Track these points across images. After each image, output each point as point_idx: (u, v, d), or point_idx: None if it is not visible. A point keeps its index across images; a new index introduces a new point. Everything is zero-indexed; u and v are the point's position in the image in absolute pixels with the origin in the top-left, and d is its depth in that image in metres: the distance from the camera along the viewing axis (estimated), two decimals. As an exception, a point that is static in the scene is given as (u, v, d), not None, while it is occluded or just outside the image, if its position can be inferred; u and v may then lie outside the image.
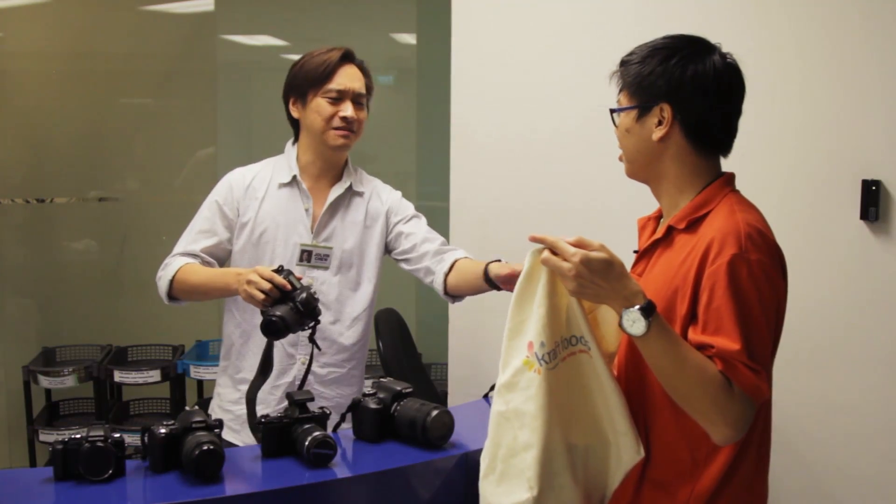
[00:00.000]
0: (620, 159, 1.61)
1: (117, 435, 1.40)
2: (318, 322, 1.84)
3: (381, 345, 3.06)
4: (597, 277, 1.33)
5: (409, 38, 4.45)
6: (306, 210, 2.15)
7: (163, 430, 1.41)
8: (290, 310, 1.77)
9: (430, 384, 3.48)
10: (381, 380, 1.70)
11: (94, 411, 3.95)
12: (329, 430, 1.63)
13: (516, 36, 2.72)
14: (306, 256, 2.13)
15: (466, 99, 2.83)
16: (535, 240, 1.42)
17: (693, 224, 1.47)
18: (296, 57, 2.23)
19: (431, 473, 1.52)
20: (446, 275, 2.19)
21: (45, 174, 4.23)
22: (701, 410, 1.31)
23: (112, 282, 4.33)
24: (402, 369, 3.03)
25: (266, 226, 2.12)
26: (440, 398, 3.12)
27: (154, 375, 3.76)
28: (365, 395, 1.63)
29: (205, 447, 1.36)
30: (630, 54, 1.60)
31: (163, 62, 4.32)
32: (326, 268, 2.14)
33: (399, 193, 2.33)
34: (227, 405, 2.18)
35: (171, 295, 2.16)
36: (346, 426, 1.74)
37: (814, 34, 2.24)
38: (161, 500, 1.32)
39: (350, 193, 2.21)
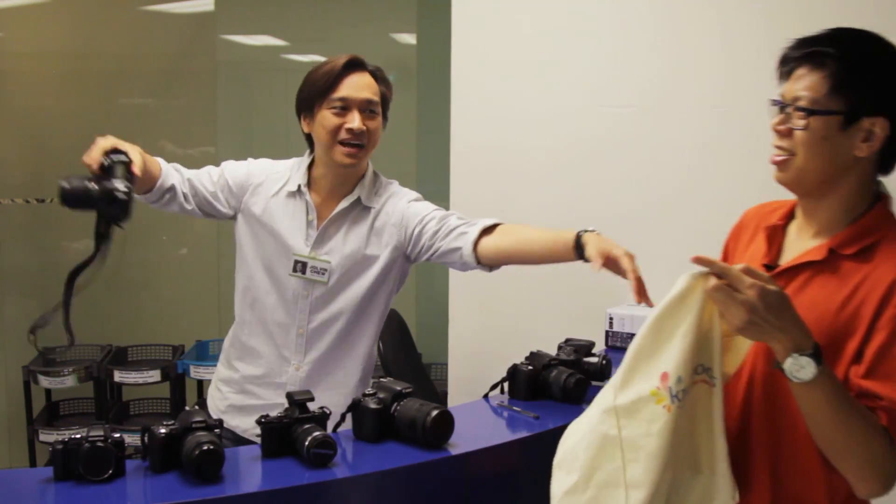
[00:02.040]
0: (774, 163, 1.37)
1: (117, 435, 1.40)
2: (118, 224, 1.76)
3: (381, 345, 3.06)
4: (770, 314, 1.16)
5: (409, 38, 4.45)
6: (309, 221, 2.07)
7: (163, 430, 1.41)
8: (83, 184, 1.69)
9: (430, 384, 3.48)
10: (381, 380, 1.69)
11: (94, 411, 3.96)
12: (329, 430, 1.64)
13: (516, 36, 2.73)
14: (300, 268, 2.05)
15: (466, 99, 2.83)
16: (699, 261, 1.22)
17: (864, 252, 1.29)
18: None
19: (431, 473, 1.52)
20: (475, 242, 1.99)
21: (45, 174, 4.22)
22: (855, 466, 1.21)
23: (112, 282, 4.33)
24: (401, 369, 3.03)
25: (269, 227, 2.09)
26: (440, 398, 3.12)
27: (154, 375, 3.76)
28: (365, 395, 1.63)
29: (205, 447, 1.36)
30: (828, 41, 1.39)
31: (163, 62, 4.32)
32: (325, 282, 2.06)
33: (410, 197, 2.14)
34: (219, 384, 2.19)
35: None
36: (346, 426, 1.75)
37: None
38: (161, 500, 1.32)
39: (358, 207, 2.09)
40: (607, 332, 2.41)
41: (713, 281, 1.20)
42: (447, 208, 2.86)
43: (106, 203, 1.70)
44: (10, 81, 4.19)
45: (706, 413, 1.26)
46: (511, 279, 2.78)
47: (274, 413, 1.55)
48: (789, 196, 2.28)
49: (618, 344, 2.39)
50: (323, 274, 2.05)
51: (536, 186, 2.71)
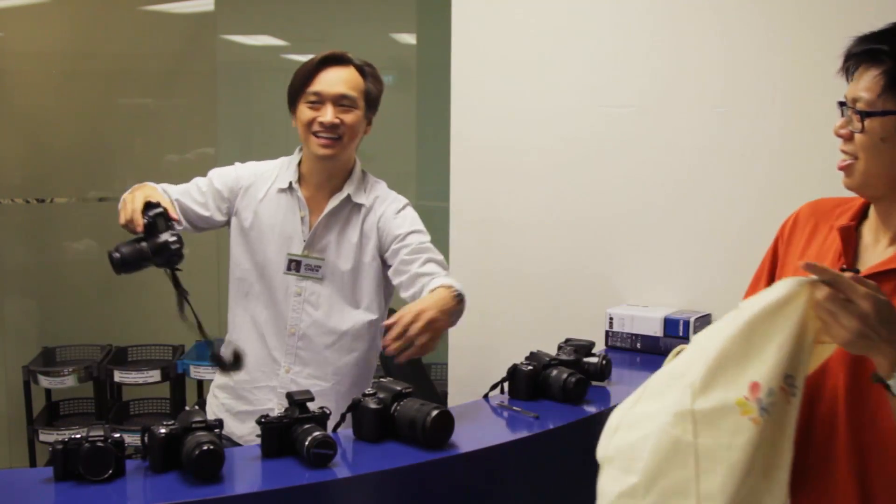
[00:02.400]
0: (840, 168, 1.35)
1: (117, 435, 1.40)
2: (176, 268, 1.82)
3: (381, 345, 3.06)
4: (882, 326, 1.09)
5: (409, 38, 4.45)
6: (302, 218, 2.08)
7: (163, 430, 1.41)
8: (135, 248, 1.78)
9: (430, 384, 3.48)
10: (381, 380, 1.69)
11: (94, 411, 3.96)
12: (328, 430, 1.63)
13: (516, 36, 2.72)
14: (295, 266, 2.06)
15: (466, 99, 2.83)
16: (811, 269, 1.13)
17: None
18: (296, 57, 2.23)
19: (431, 473, 1.52)
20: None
21: (45, 174, 4.23)
22: None
23: (112, 282, 4.31)
24: (402, 369, 3.02)
25: (262, 229, 2.09)
26: (440, 398, 3.12)
27: (154, 375, 3.76)
28: (365, 395, 1.62)
29: (205, 447, 1.36)
30: (883, 37, 1.33)
31: (163, 62, 4.32)
32: (319, 279, 2.06)
33: (397, 206, 2.13)
34: (215, 389, 2.20)
35: None
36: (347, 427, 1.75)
37: (814, 34, 2.24)
38: (161, 500, 1.32)
39: (349, 205, 2.10)
40: (607, 332, 2.41)
41: (823, 290, 1.12)
42: (447, 208, 2.88)
43: (163, 258, 1.80)
44: (10, 81, 4.19)
45: (780, 424, 1.17)
46: (511, 279, 2.78)
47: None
48: (789, 195, 2.28)
49: (618, 344, 2.39)
50: (317, 271, 2.06)
51: (536, 186, 2.71)
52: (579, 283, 2.65)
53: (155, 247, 1.78)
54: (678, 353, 1.31)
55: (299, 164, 2.12)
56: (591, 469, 1.88)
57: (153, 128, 4.31)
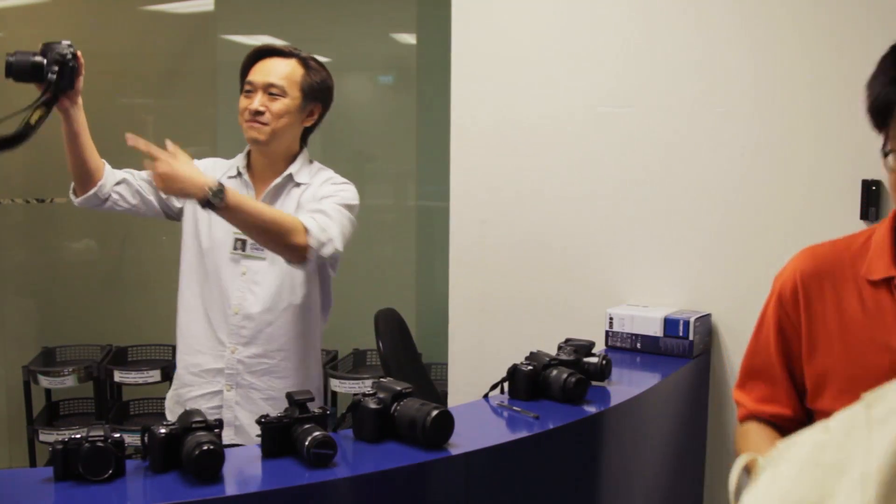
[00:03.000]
0: None
1: (117, 435, 1.40)
2: (58, 85, 1.88)
3: (381, 345, 3.06)
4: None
5: (409, 38, 4.45)
6: None
7: (163, 430, 1.41)
8: (32, 56, 1.83)
9: (430, 384, 3.48)
10: (381, 380, 1.69)
11: (94, 411, 3.96)
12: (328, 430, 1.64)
13: (516, 36, 2.72)
14: (240, 245, 2.15)
15: (466, 99, 2.83)
16: None
17: None
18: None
19: (431, 473, 1.52)
20: None
21: (45, 174, 4.23)
22: None
23: (112, 282, 4.33)
24: (402, 369, 3.02)
25: (206, 214, 2.13)
26: (440, 398, 3.12)
27: (154, 375, 3.77)
28: (365, 395, 1.63)
29: (205, 447, 1.36)
30: None
31: (163, 62, 4.32)
32: (263, 258, 2.15)
33: (329, 178, 2.20)
34: (168, 401, 2.29)
35: (76, 185, 2.19)
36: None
37: (813, 34, 2.24)
38: (161, 500, 1.32)
39: (290, 184, 2.20)
40: (607, 332, 2.41)
41: None
42: (447, 208, 2.88)
43: (56, 66, 1.81)
44: (11, 81, 4.19)
45: None
46: (511, 279, 2.78)
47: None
48: (789, 195, 2.28)
49: (618, 344, 2.39)
50: (262, 250, 2.13)
51: (536, 186, 2.71)
52: (579, 283, 2.65)
53: (52, 56, 1.80)
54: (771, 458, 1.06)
55: (248, 154, 2.26)
56: (590, 469, 1.88)
57: (153, 128, 4.31)
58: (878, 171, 2.15)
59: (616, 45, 2.55)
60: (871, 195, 2.14)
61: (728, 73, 2.36)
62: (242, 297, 2.15)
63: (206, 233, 2.17)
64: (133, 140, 1.91)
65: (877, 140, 2.16)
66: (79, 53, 1.88)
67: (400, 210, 4.48)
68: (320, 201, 2.11)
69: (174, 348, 4.01)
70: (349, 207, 2.15)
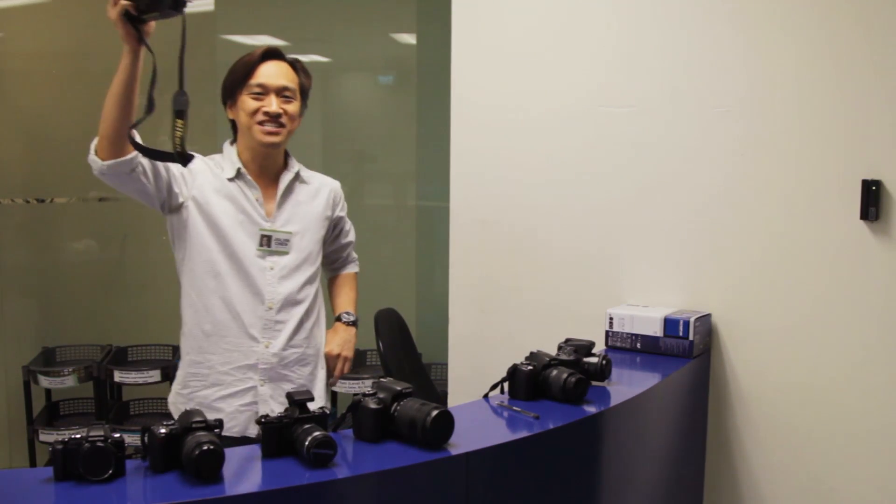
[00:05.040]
0: None
1: (117, 435, 1.40)
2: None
3: (381, 345, 3.06)
4: None
5: (409, 38, 4.45)
6: (256, 199, 2.21)
7: (163, 430, 1.41)
8: None
9: (430, 384, 3.48)
10: (381, 380, 1.69)
11: (94, 411, 3.96)
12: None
13: (516, 36, 2.73)
14: (266, 241, 2.19)
15: (466, 99, 2.83)
16: None
17: None
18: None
19: (431, 473, 1.52)
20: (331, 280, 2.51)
21: (45, 174, 4.23)
22: None
23: (112, 282, 4.33)
24: (402, 369, 3.03)
25: (225, 212, 2.17)
26: (440, 398, 3.12)
27: (154, 375, 3.77)
28: (365, 395, 1.63)
29: (205, 447, 1.36)
30: None
31: (163, 62, 4.31)
32: (286, 252, 2.21)
33: (338, 183, 2.41)
34: (176, 395, 2.26)
35: (103, 149, 1.95)
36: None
37: (813, 34, 2.24)
38: (161, 500, 1.32)
39: (297, 180, 2.28)
40: (607, 332, 2.41)
41: None
42: (447, 208, 2.88)
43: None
44: (10, 81, 4.19)
45: None
46: (511, 279, 2.78)
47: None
48: (789, 195, 2.28)
49: (618, 344, 2.40)
50: (286, 245, 2.22)
51: (536, 186, 2.71)
52: (579, 283, 2.65)
53: None
54: None
55: (237, 152, 2.24)
56: (590, 469, 1.88)
57: (153, 128, 4.30)
58: (878, 171, 2.15)
59: (616, 46, 2.55)
60: (871, 195, 2.14)
61: (728, 74, 2.36)
62: (274, 291, 2.19)
63: (231, 234, 2.17)
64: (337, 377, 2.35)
65: (877, 140, 2.17)
66: None
67: (400, 210, 4.48)
68: (349, 237, 2.47)
69: (174, 348, 4.04)
70: None
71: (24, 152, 4.22)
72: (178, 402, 2.24)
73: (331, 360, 2.32)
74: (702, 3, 2.40)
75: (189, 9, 1.80)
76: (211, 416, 2.08)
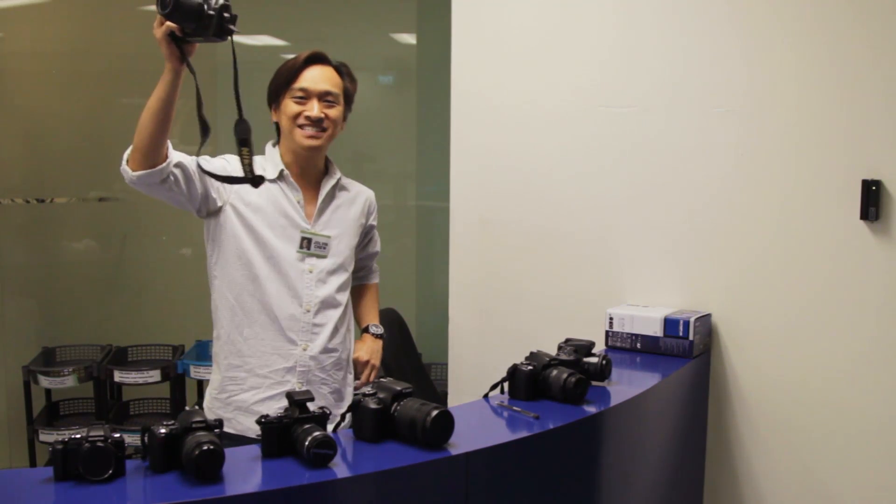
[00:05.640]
0: None
1: (117, 435, 1.40)
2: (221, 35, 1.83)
3: (381, 345, 3.06)
4: None
5: (409, 38, 4.46)
6: (298, 202, 2.21)
7: (163, 430, 1.41)
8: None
9: (430, 384, 3.48)
10: (381, 380, 1.69)
11: (94, 411, 3.96)
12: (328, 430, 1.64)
13: (516, 36, 2.73)
14: (306, 244, 2.19)
15: (466, 99, 2.83)
16: None
17: None
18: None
19: (431, 473, 1.52)
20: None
21: (45, 174, 4.23)
22: None
23: (112, 282, 4.32)
24: (402, 369, 3.03)
25: (264, 214, 2.16)
26: (440, 398, 3.12)
27: (154, 375, 3.76)
28: (365, 395, 1.63)
29: (205, 447, 1.36)
30: None
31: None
32: (325, 256, 2.22)
33: (375, 208, 2.45)
34: (213, 400, 2.22)
35: (135, 159, 1.97)
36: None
37: (813, 34, 2.24)
38: (161, 500, 1.32)
39: (338, 187, 2.30)
40: (607, 332, 2.41)
41: None
42: (447, 208, 2.88)
43: (216, 12, 1.79)
44: (10, 81, 4.19)
45: None
46: (511, 279, 2.78)
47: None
48: (789, 195, 2.28)
49: (618, 344, 2.39)
50: (324, 248, 2.22)
51: (536, 186, 2.71)
52: (579, 283, 2.65)
53: (216, 3, 1.76)
54: None
55: (279, 154, 2.25)
56: (590, 469, 1.88)
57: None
58: (878, 171, 2.15)
59: (616, 46, 2.55)
60: (871, 195, 2.14)
61: (728, 74, 2.36)
62: (312, 293, 2.19)
63: (262, 235, 2.16)
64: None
65: (877, 140, 2.17)
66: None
67: (400, 210, 4.48)
68: (376, 247, 2.51)
69: (174, 348, 4.05)
70: None
71: (24, 152, 4.22)
72: (214, 406, 2.21)
73: (359, 366, 2.34)
74: (702, 3, 2.40)
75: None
76: (252, 420, 2.10)
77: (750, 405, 2.37)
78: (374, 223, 2.45)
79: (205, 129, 1.85)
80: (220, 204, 2.14)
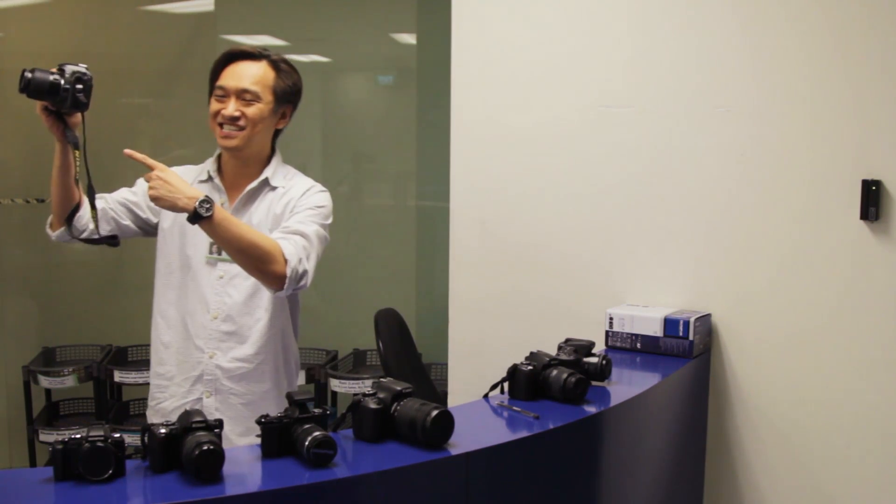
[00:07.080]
0: None
1: (117, 435, 1.40)
2: (70, 108, 1.90)
3: (381, 345, 3.06)
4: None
5: (409, 38, 4.45)
6: (222, 204, 2.12)
7: (163, 430, 1.41)
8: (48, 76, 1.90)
9: (430, 384, 3.48)
10: (381, 380, 1.69)
11: (94, 411, 3.96)
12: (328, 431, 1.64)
13: (516, 36, 2.72)
14: (216, 248, 2.12)
15: (466, 99, 2.83)
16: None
17: None
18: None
19: (431, 473, 1.52)
20: None
21: (45, 174, 4.20)
22: None
23: (112, 282, 4.32)
24: (402, 369, 3.02)
25: (179, 220, 2.11)
26: (440, 398, 3.12)
27: (154, 375, 3.75)
28: (365, 395, 1.63)
29: (205, 447, 1.36)
30: None
31: (163, 62, 4.32)
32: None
33: (310, 189, 2.16)
34: (148, 399, 2.29)
35: (53, 222, 2.12)
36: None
37: (813, 34, 2.24)
38: (161, 500, 1.32)
39: (265, 187, 2.16)
40: (607, 332, 2.41)
41: None
42: (447, 208, 2.88)
43: (71, 94, 1.88)
44: (11, 81, 4.18)
45: None
46: (511, 279, 2.78)
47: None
48: (789, 195, 2.28)
49: (618, 344, 2.39)
50: None
51: (538, 186, 2.71)
52: (579, 283, 2.65)
53: (71, 76, 1.87)
54: None
55: (219, 157, 2.22)
56: (590, 469, 1.88)
57: (153, 128, 4.31)
58: (878, 171, 2.15)
59: (615, 45, 2.55)
60: (871, 195, 2.14)
61: (727, 73, 2.36)
62: (220, 300, 2.14)
63: (182, 242, 2.15)
64: (130, 152, 1.94)
65: (877, 140, 2.17)
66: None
67: (400, 210, 4.48)
68: (303, 220, 2.06)
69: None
70: (326, 228, 2.12)
71: (24, 152, 4.22)
72: (149, 414, 2.27)
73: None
74: (702, 4, 2.40)
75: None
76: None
77: (750, 405, 2.37)
78: (301, 210, 2.10)
79: (91, 193, 2.00)
80: (155, 220, 2.19)
